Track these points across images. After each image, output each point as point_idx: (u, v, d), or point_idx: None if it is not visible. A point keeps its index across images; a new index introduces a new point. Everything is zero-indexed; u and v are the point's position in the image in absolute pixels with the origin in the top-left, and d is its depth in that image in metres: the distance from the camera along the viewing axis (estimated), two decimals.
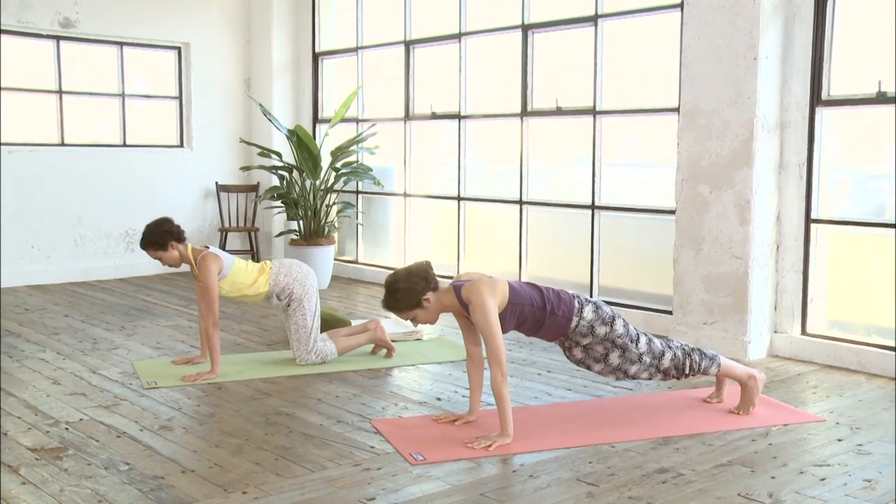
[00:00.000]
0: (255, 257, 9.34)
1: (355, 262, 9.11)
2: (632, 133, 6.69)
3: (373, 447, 3.84)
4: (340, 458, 3.70)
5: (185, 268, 9.16)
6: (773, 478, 3.46)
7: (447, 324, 6.58)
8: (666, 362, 4.13)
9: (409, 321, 4.06)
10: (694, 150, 5.62)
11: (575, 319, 4.01)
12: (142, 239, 5.07)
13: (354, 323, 5.98)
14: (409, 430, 4.06)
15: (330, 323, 5.82)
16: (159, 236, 5.04)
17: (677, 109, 5.80)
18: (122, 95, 8.88)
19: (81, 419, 4.21)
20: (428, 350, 5.69)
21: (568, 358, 4.23)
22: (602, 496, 3.27)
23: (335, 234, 8.84)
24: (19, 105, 8.27)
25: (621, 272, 6.69)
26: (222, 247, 9.13)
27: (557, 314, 3.98)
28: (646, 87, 6.42)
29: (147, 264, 9.03)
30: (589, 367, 4.17)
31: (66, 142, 8.55)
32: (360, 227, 9.07)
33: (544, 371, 5.16)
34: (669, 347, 4.16)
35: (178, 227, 5.12)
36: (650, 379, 4.18)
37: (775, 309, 5.58)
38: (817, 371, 5.19)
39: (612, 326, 4.04)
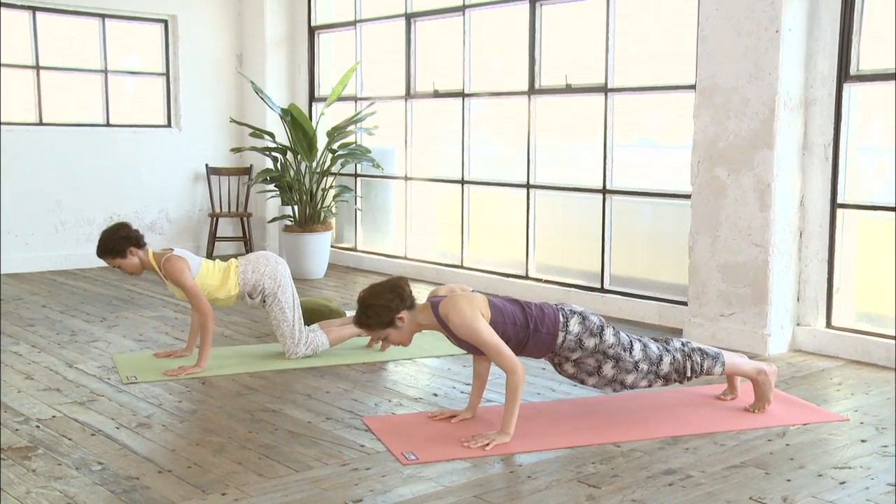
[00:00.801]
0: (248, 245, 9.35)
1: (354, 249, 9.10)
2: (646, 112, 6.64)
3: (363, 446, 3.83)
4: (328, 457, 3.69)
5: None
6: (788, 480, 3.44)
7: None
8: (665, 367, 4.09)
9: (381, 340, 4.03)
10: (711, 130, 5.58)
11: (561, 335, 3.96)
12: (98, 247, 5.05)
13: (350, 314, 5.98)
14: (402, 427, 4.06)
15: (323, 314, 5.82)
16: (116, 243, 5.01)
17: (694, 87, 5.75)
18: (105, 71, 8.88)
19: (54, 416, 4.22)
20: (426, 343, 5.67)
21: (559, 373, 4.18)
22: (603, 499, 3.26)
23: (332, 220, 8.84)
24: None
25: (634, 260, 6.66)
26: (213, 234, 9.14)
27: (542, 331, 3.94)
28: (661, 63, 6.38)
29: None
30: (583, 382, 4.11)
31: (44, 121, 8.56)
32: (358, 212, 9.06)
33: (549, 366, 5.14)
34: (667, 350, 4.12)
35: (137, 231, 5.10)
36: (650, 386, 4.14)
37: (798, 300, 5.55)
38: (843, 367, 5.16)
39: (601, 337, 3.99)
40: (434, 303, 3.95)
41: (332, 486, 3.39)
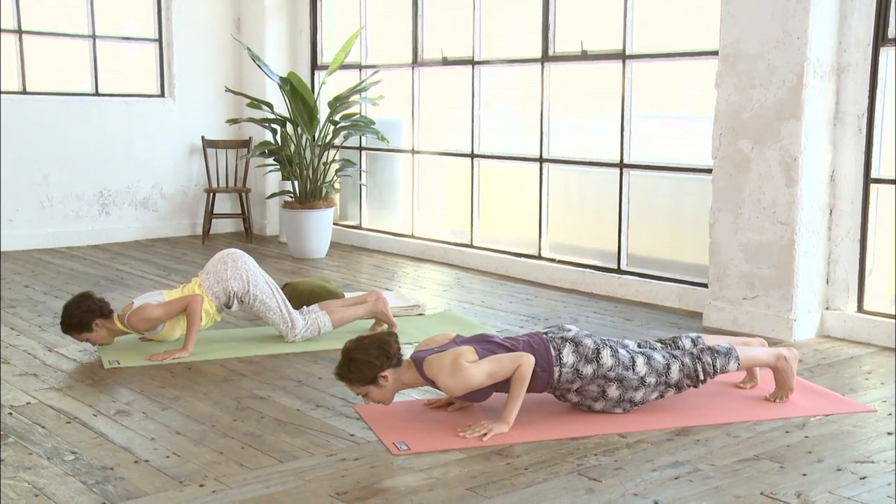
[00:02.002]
0: (247, 222, 9.36)
1: (359, 227, 9.11)
2: (666, 81, 6.58)
3: (352, 435, 3.85)
4: (314, 447, 3.71)
5: (165, 233, 9.29)
6: (804, 475, 3.42)
7: (453, 297, 6.58)
8: (674, 375, 4.06)
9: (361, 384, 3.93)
10: (734, 99, 5.53)
11: (556, 370, 3.93)
12: (61, 322, 4.99)
13: (349, 295, 5.99)
14: (395, 416, 4.06)
15: (320, 295, 5.83)
16: (80, 317, 4.95)
17: (716, 53, 5.69)
18: (93, 37, 8.89)
19: (29, 403, 4.26)
20: (430, 326, 5.68)
21: (563, 402, 4.16)
22: (603, 493, 3.26)
23: (335, 196, 8.84)
24: None
25: (653, 239, 6.63)
26: (210, 211, 9.16)
27: (536, 370, 3.91)
28: (682, 28, 6.33)
29: (125, 229, 9.13)
30: (590, 408, 4.07)
31: (28, 89, 8.59)
32: (363, 188, 9.06)
33: None
34: (674, 357, 4.09)
35: (101, 300, 5.04)
36: (663, 397, 4.10)
37: (827, 283, 5.51)
38: (874, 354, 5.13)
39: (598, 361, 3.95)
40: (418, 360, 3.94)
41: (317, 477, 3.41)
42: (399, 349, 3.94)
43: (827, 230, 5.47)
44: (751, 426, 3.95)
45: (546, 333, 4.05)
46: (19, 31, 8.48)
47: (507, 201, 7.79)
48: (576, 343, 3.98)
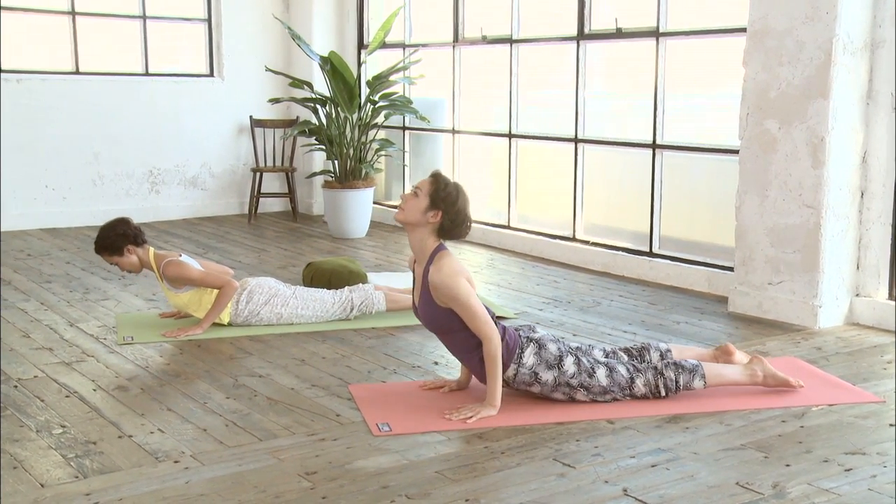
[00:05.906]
0: (293, 202, 9.42)
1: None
2: (702, 59, 6.42)
3: (338, 415, 3.85)
4: (298, 426, 3.72)
5: (213, 212, 9.41)
6: (787, 465, 3.31)
7: (483, 279, 6.53)
8: (639, 389, 3.95)
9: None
10: (761, 77, 5.36)
11: (513, 367, 3.86)
12: (95, 243, 5.15)
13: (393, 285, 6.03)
14: (386, 397, 4.05)
15: (342, 276, 5.85)
16: (114, 240, 5.09)
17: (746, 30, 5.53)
18: (144, 17, 9.03)
19: (36, 376, 4.35)
20: None
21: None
22: (573, 479, 3.19)
23: (375, 176, 8.83)
24: (27, 28, 8.48)
25: (687, 221, 6.49)
26: (257, 189, 9.25)
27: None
28: (717, 4, 6.16)
29: (174, 207, 9.28)
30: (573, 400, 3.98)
31: (80, 70, 8.77)
32: (405, 168, 9.04)
33: (569, 333, 5.07)
34: (639, 371, 3.97)
35: (137, 228, 5.16)
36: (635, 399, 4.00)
37: (857, 268, 5.32)
38: None
39: (560, 368, 3.86)
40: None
41: (291, 457, 3.41)
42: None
43: (858, 214, 5.28)
44: (747, 415, 3.84)
45: (518, 330, 3.98)
46: (73, 13, 8.65)
47: (544, 182, 7.70)
48: (539, 345, 3.90)
